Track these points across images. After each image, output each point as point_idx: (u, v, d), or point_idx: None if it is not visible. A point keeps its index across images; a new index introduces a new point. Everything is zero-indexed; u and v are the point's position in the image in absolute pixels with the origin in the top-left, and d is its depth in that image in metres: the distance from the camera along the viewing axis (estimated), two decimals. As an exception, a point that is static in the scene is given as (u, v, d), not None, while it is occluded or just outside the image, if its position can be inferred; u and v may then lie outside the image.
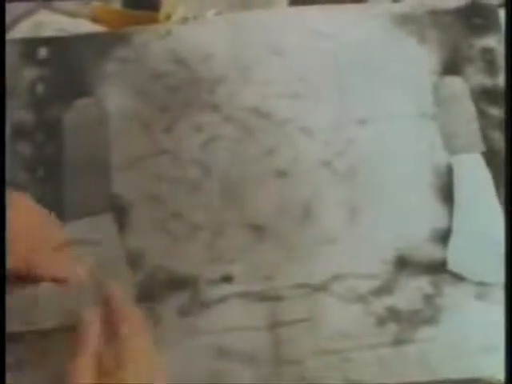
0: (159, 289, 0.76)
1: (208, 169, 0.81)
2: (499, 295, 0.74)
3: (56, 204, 0.79)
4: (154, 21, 0.89)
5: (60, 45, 0.88)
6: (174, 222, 0.78)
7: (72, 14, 0.91)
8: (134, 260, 0.77)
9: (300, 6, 0.89)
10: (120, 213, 0.79)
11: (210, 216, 0.79)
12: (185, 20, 0.89)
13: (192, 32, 0.87)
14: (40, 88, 0.86)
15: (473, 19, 0.88)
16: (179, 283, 0.76)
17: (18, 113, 0.84)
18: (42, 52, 0.87)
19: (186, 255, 0.77)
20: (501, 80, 0.85)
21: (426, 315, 0.74)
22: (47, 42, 0.88)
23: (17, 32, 0.90)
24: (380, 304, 0.75)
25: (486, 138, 0.82)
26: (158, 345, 0.72)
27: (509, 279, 0.67)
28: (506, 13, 0.84)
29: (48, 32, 0.90)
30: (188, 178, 0.81)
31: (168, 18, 0.89)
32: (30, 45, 0.88)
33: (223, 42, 0.87)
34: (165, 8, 0.89)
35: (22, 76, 0.86)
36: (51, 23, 0.90)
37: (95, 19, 0.90)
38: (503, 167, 0.79)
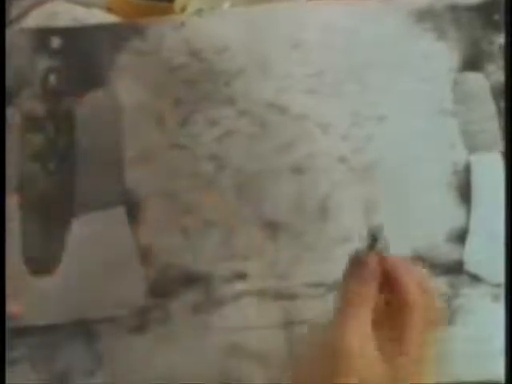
0: (172, 285, 0.75)
1: (223, 164, 0.80)
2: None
3: (68, 197, 0.78)
4: (169, 12, 0.88)
5: (73, 35, 0.87)
6: (187, 217, 0.77)
7: (86, 4, 0.89)
8: (146, 256, 0.76)
9: (318, 0, 0.88)
10: (132, 207, 0.78)
11: (225, 212, 0.77)
12: (200, 11, 0.88)
13: (208, 24, 0.86)
14: (53, 78, 0.85)
15: (493, 15, 0.87)
16: (192, 280, 0.75)
17: (29, 103, 0.83)
18: (55, 42, 0.86)
19: (199, 252, 0.76)
20: (522, 78, 0.84)
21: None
22: (60, 31, 0.87)
23: (30, 21, 0.89)
24: (396, 304, 0.74)
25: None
26: (169, 342, 0.72)
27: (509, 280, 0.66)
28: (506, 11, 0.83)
29: (61, 22, 0.88)
30: (202, 173, 0.79)
31: (183, 9, 0.88)
32: (43, 34, 0.87)
33: (240, 35, 0.85)
34: (180, -1, 0.88)
35: (35, 66, 0.85)
36: (65, 13, 0.89)
37: (109, 9, 0.89)
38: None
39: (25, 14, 0.89)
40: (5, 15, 0.81)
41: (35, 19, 0.88)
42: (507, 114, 0.78)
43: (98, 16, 0.89)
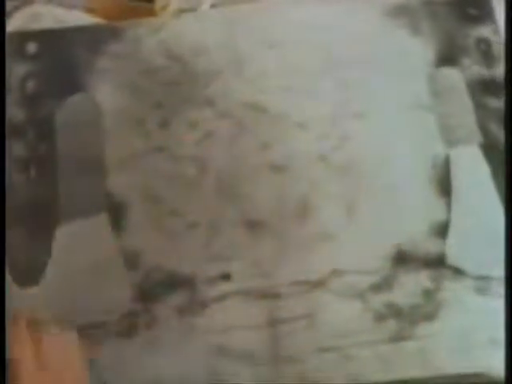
0: (156, 288, 0.75)
1: (204, 165, 0.80)
2: (499, 289, 0.74)
3: (50, 204, 0.78)
4: (150, 12, 0.88)
5: (50, 39, 0.87)
6: (170, 220, 0.78)
7: (67, 5, 0.89)
8: (131, 260, 0.76)
9: (296, -1, 0.88)
10: (115, 212, 0.78)
11: (207, 213, 0.78)
12: (179, 12, 0.88)
13: (186, 26, 0.86)
14: (31, 84, 0.85)
15: (467, 9, 0.88)
16: (177, 282, 0.75)
17: (8, 110, 0.83)
18: (32, 47, 0.86)
19: (183, 254, 0.76)
20: (497, 71, 0.84)
21: (426, 311, 0.74)
22: (37, 36, 0.87)
23: (10, 24, 0.88)
24: (379, 300, 0.74)
25: (483, 129, 0.81)
26: (156, 345, 0.73)
27: (509, 274, 0.67)
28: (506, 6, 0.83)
29: (42, 23, 0.88)
30: (184, 176, 0.80)
31: (164, 8, 0.88)
32: (19, 39, 0.86)
33: (217, 36, 0.85)
34: (160, -1, 0.88)
35: (12, 72, 0.85)
36: (46, 14, 0.88)
37: (91, 10, 0.89)
38: (502, 158, 0.79)
39: (6, 16, 0.88)
40: (4, 14, 0.80)
41: (16, 22, 0.88)
42: (507, 110, 0.79)
43: (79, 17, 0.88)
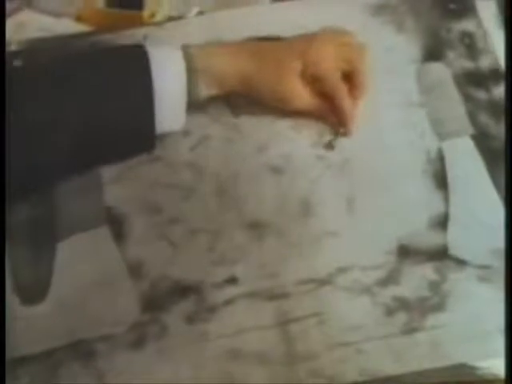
0: (164, 297, 0.75)
1: (200, 171, 0.80)
2: (501, 277, 0.74)
3: (50, 222, 0.77)
4: (139, 20, 0.87)
5: (32, 56, 0.86)
6: (171, 228, 0.78)
7: (55, 14, 0.88)
8: (136, 271, 0.75)
9: (281, 2, 0.88)
10: (116, 224, 0.78)
11: (208, 218, 0.78)
12: (167, 20, 0.87)
13: (170, 34, 0.86)
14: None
15: (448, 4, 0.89)
16: (183, 290, 0.75)
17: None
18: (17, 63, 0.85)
19: (187, 261, 0.76)
20: (482, 63, 0.86)
21: (434, 302, 0.74)
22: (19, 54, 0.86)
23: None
24: (387, 294, 0.75)
25: (473, 120, 0.83)
26: (167, 354, 0.72)
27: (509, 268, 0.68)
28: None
29: (30, 32, 0.87)
30: (181, 183, 0.79)
31: (152, 16, 0.87)
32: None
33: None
34: (149, 6, 0.87)
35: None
36: (34, 23, 0.87)
37: (79, 18, 0.88)
38: (493, 148, 0.80)
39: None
40: (4, 15, 0.79)
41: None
42: (507, 103, 0.80)
43: (67, 26, 0.87)
